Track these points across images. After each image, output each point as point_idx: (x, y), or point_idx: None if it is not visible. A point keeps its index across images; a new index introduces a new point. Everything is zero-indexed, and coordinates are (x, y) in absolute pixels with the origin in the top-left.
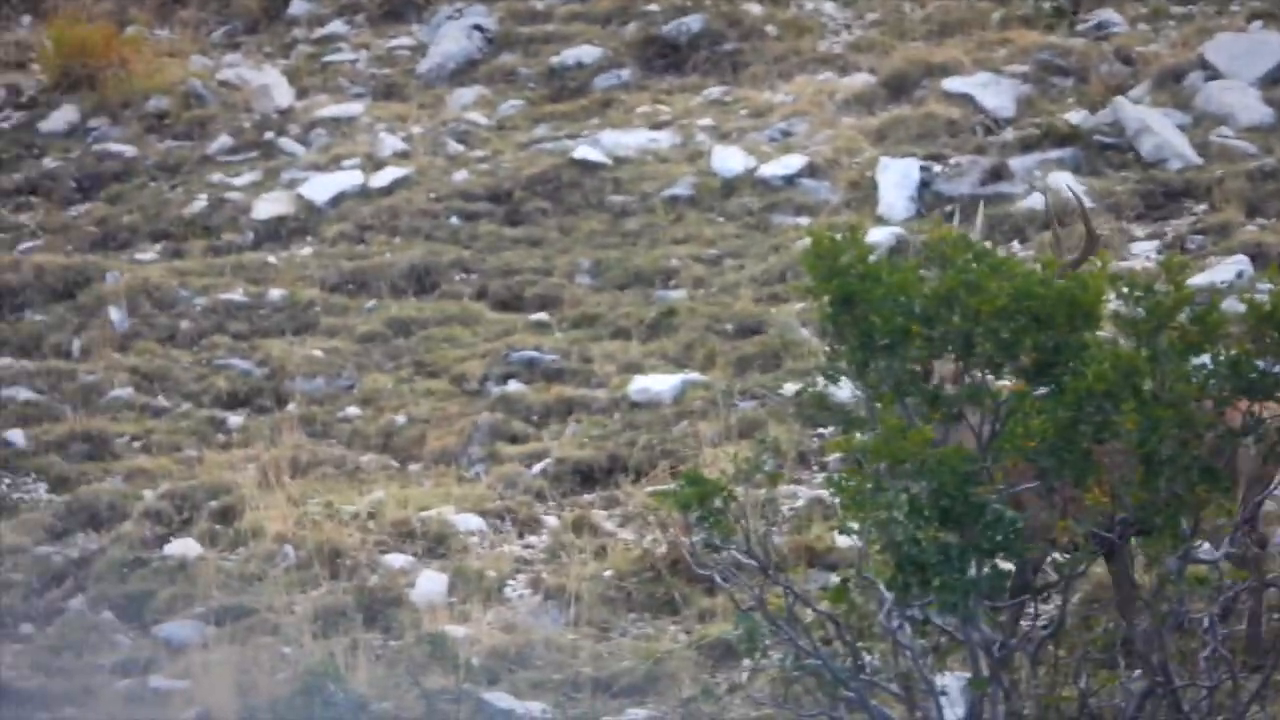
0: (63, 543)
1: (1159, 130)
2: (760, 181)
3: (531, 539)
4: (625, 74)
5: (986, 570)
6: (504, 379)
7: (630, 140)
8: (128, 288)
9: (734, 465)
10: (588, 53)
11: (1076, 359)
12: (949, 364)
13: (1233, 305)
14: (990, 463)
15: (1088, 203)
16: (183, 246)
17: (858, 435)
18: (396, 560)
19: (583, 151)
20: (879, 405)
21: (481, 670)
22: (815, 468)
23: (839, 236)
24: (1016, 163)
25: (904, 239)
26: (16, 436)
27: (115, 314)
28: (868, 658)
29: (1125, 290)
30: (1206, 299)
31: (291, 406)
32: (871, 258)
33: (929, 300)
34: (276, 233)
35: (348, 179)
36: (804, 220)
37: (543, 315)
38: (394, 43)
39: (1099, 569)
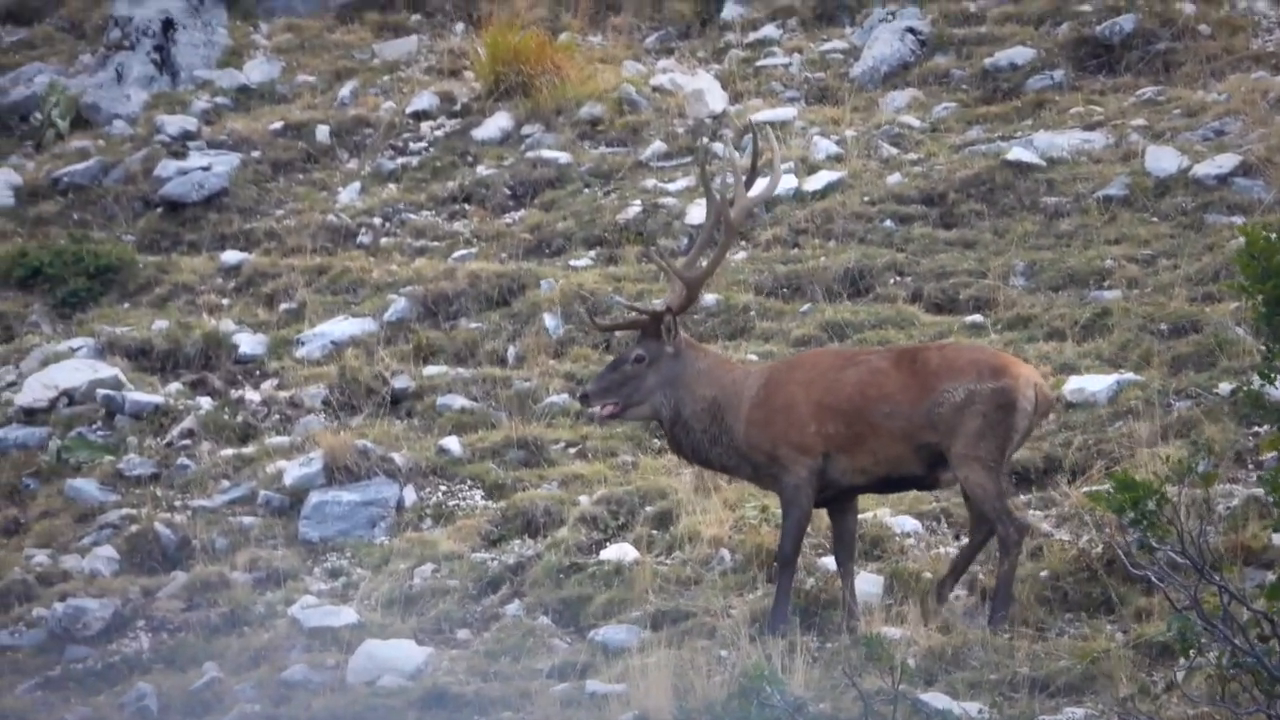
0: (499, 549)
1: None
2: (1194, 181)
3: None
4: (1058, 75)
5: None
6: None
7: (1063, 141)
8: (562, 294)
9: (1168, 467)
10: (1021, 54)
11: None
12: None
13: None
14: None
15: None
16: (616, 252)
17: None
18: (833, 562)
19: (1016, 153)
20: None
21: (918, 671)
22: (1251, 466)
23: (1274, 236)
24: None
25: None
26: (453, 444)
27: (550, 320)
28: None
29: None
30: None
31: None
32: None
33: None
34: (710, 237)
35: (782, 183)
36: (1238, 219)
37: (977, 317)
38: (826, 46)
39: None
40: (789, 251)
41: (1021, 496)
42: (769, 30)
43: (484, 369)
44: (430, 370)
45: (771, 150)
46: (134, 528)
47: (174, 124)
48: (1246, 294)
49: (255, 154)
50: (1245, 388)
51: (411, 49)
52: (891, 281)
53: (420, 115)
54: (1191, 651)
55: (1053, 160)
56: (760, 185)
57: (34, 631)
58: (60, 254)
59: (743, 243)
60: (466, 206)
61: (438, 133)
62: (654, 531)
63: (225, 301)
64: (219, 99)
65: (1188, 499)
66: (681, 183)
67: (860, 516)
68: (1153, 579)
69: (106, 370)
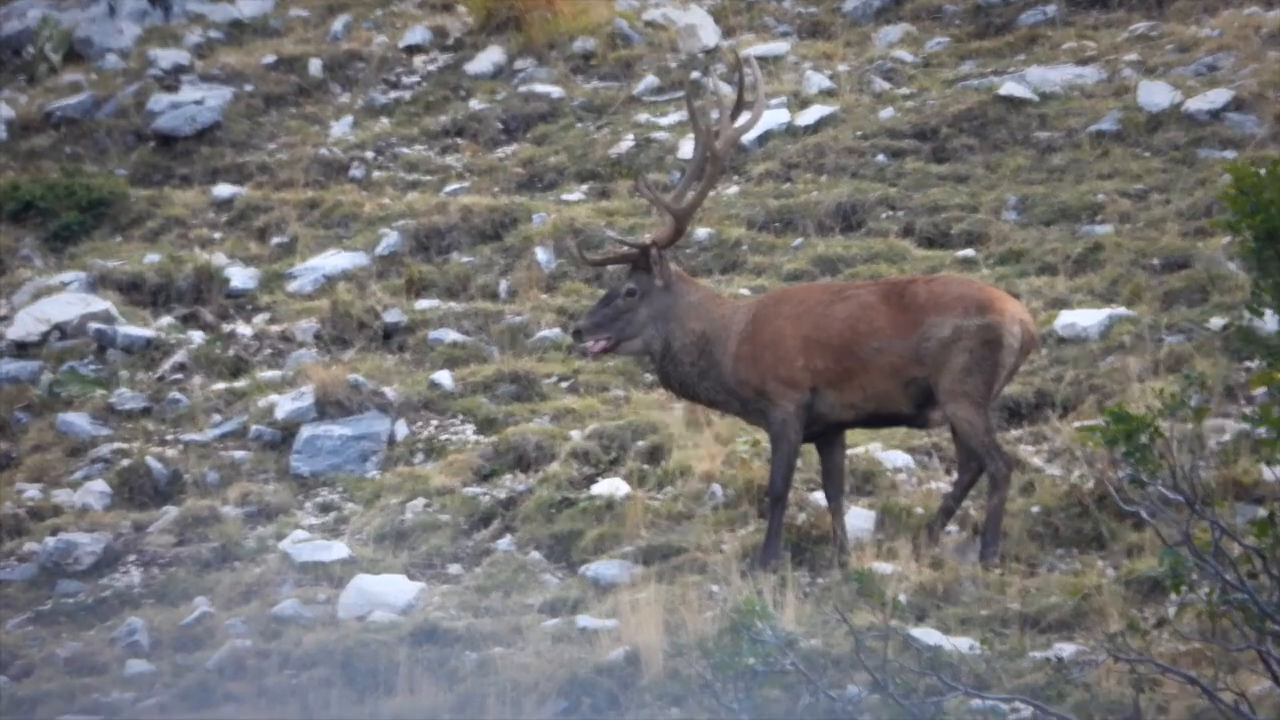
0: (490, 484)
1: None
2: (1186, 116)
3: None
4: (1051, 10)
5: None
6: None
7: (1056, 76)
8: (554, 228)
9: (1160, 400)
10: None
11: None
12: None
13: None
14: None
15: None
16: (609, 187)
17: None
18: (824, 498)
19: (1009, 88)
20: None
21: (909, 607)
22: (1243, 401)
23: (1262, 172)
24: None
25: None
26: (444, 378)
27: (542, 254)
28: None
29: None
30: None
31: None
32: None
33: None
34: (699, 170)
35: (774, 117)
36: (1230, 155)
37: (969, 251)
38: None
39: None
40: (781, 186)
41: (1012, 432)
42: None
43: (476, 303)
44: (422, 304)
45: (757, 81)
46: (125, 462)
47: (166, 58)
48: (1235, 230)
49: (248, 88)
50: (1237, 322)
51: None
52: (883, 216)
53: (412, 49)
54: (1182, 587)
55: (1045, 95)
56: (745, 116)
57: (25, 566)
58: (52, 187)
59: (735, 177)
60: (458, 141)
61: (430, 67)
62: (645, 466)
63: (217, 235)
64: (212, 33)
65: (1179, 434)
66: (674, 117)
67: (852, 452)
68: (1144, 514)
69: (98, 304)
